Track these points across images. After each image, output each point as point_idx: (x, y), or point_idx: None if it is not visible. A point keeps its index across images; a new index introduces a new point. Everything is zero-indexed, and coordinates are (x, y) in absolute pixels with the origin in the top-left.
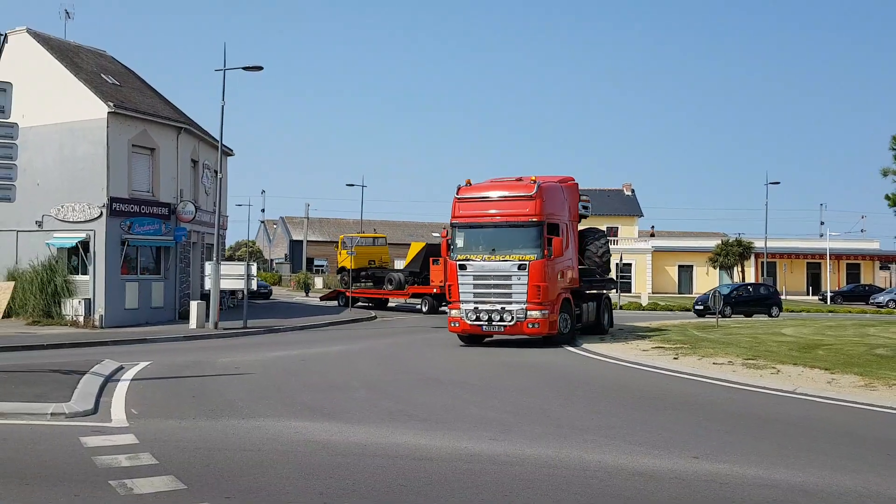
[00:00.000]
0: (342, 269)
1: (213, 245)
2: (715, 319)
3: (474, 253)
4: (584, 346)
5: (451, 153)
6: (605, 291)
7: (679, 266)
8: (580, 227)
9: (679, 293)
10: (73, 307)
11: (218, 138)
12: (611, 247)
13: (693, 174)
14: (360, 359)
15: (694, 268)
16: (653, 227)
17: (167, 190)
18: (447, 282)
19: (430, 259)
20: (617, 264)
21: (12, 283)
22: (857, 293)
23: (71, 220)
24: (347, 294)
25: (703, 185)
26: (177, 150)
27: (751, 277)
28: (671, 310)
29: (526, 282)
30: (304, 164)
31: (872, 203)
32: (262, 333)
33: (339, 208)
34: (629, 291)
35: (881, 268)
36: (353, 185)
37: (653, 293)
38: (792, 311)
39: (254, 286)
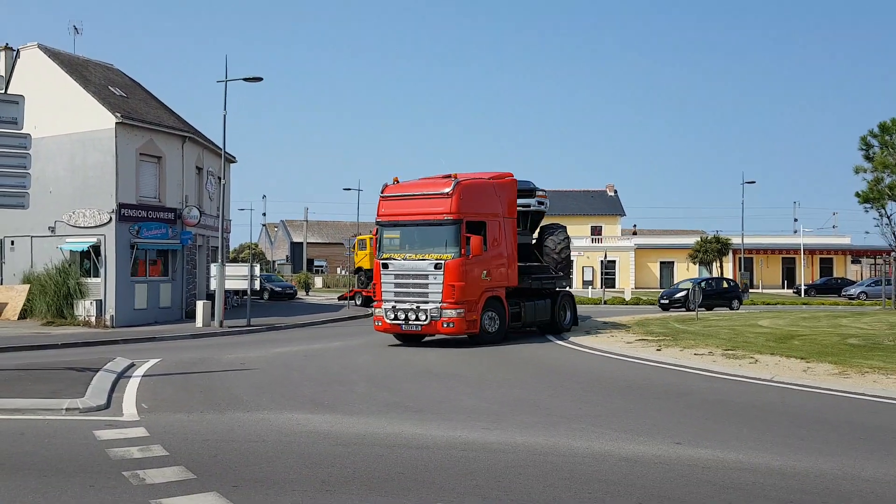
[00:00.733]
0: (359, 269)
1: (217, 248)
2: (678, 313)
3: (397, 252)
4: (572, 339)
5: (442, 154)
6: (561, 289)
7: (661, 262)
8: (545, 223)
9: (661, 288)
10: (85, 308)
11: (221, 146)
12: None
13: (673, 175)
14: (359, 354)
15: (675, 264)
16: (635, 225)
17: (173, 196)
18: (373, 280)
19: None
20: (602, 261)
21: (27, 286)
22: (829, 286)
23: (82, 225)
24: (363, 293)
25: (682, 186)
26: (182, 158)
27: (728, 273)
28: (652, 304)
29: (441, 281)
30: (302, 169)
31: (843, 201)
32: (265, 331)
33: (338, 211)
34: (613, 287)
35: (853, 262)
36: (349, 189)
37: (636, 288)
38: (768, 304)
39: (257, 286)
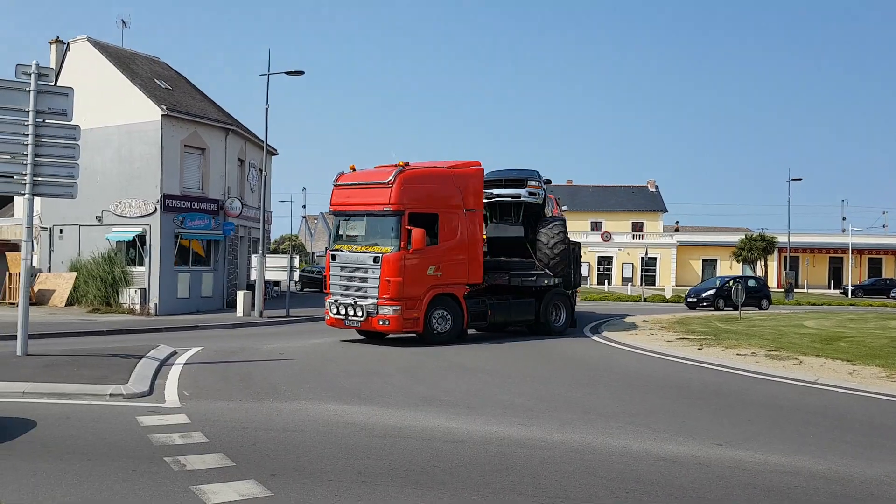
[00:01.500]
0: None
1: (258, 239)
2: (715, 312)
3: (345, 243)
4: (608, 335)
5: (482, 147)
6: (553, 286)
7: (703, 260)
8: (549, 215)
9: None
10: (129, 296)
11: (263, 139)
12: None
13: (717, 171)
14: (395, 347)
15: (718, 262)
16: (677, 222)
17: (216, 187)
18: (325, 272)
19: None
20: (642, 258)
21: (75, 274)
22: (878, 287)
23: (128, 215)
24: None
25: (726, 182)
26: (225, 150)
27: (773, 272)
28: None
29: (379, 276)
30: (343, 161)
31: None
32: (304, 322)
33: None
34: (653, 284)
35: None
36: None
37: (677, 286)
38: (813, 304)
39: (296, 277)
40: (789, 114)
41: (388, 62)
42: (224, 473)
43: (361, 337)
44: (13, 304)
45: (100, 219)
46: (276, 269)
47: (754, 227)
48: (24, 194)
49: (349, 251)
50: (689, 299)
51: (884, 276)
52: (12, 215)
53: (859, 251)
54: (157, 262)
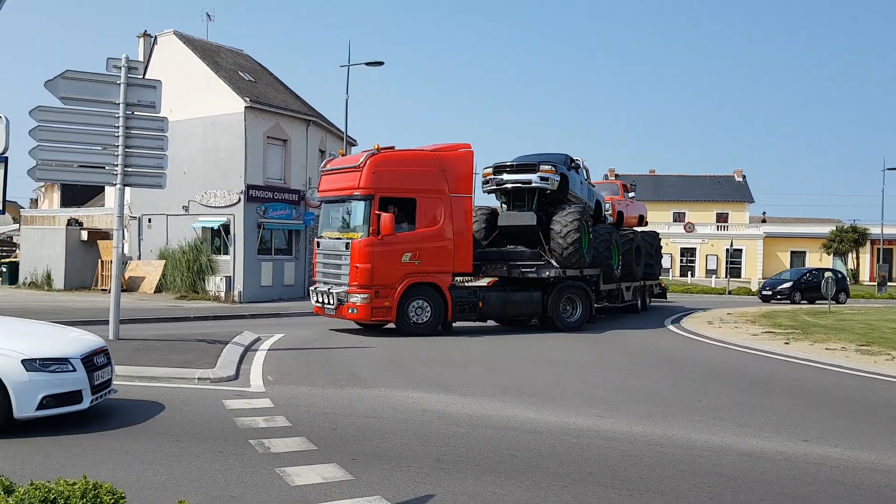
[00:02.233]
0: None
1: None
2: (781, 305)
3: (328, 230)
4: (691, 328)
5: (560, 136)
6: (565, 278)
7: (791, 252)
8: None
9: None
10: (215, 284)
11: (343, 129)
12: (721, 232)
13: (806, 160)
14: (472, 336)
15: (807, 254)
16: (764, 213)
17: (297, 178)
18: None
19: None
20: (727, 250)
21: (163, 262)
22: None
23: (213, 205)
24: None
25: (816, 172)
26: (306, 141)
27: (865, 264)
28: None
29: (349, 262)
30: None
31: None
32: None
33: None
34: (739, 277)
35: None
36: None
37: (763, 279)
38: None
39: None
40: (883, 100)
41: (468, 49)
42: (307, 457)
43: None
44: (105, 290)
45: (186, 208)
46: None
47: (845, 218)
48: (115, 184)
49: (328, 238)
50: (764, 292)
51: None
52: (103, 205)
53: None
54: (241, 250)
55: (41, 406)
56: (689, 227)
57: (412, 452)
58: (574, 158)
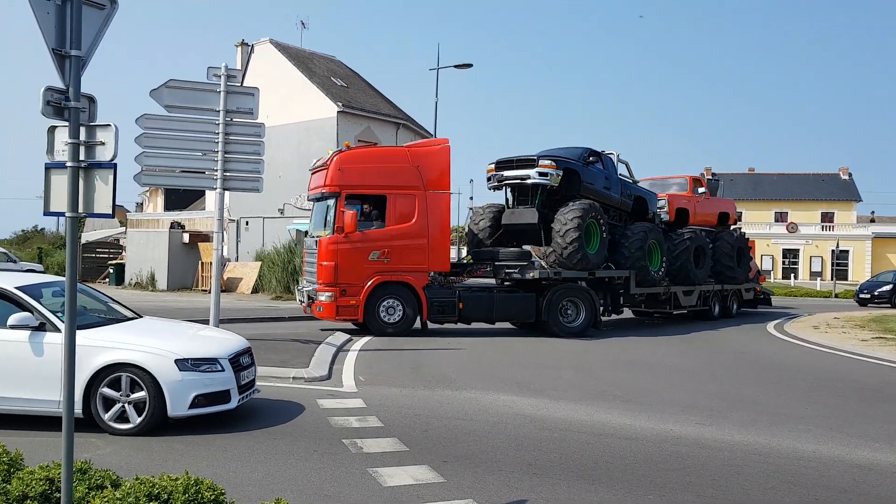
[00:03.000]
0: None
1: None
2: (882, 310)
3: (312, 229)
4: (795, 333)
5: (651, 134)
6: (562, 280)
7: None
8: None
9: None
10: None
11: (432, 132)
12: (826, 233)
13: None
14: (566, 342)
15: None
16: (873, 212)
17: None
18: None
19: None
20: (833, 251)
21: (259, 263)
22: None
23: (307, 208)
24: None
25: None
26: (396, 144)
27: None
28: None
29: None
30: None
31: None
32: None
33: None
34: (846, 279)
35: None
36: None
37: None
38: None
39: None
40: None
41: (555, 50)
42: (398, 458)
43: (529, 332)
44: (205, 291)
45: (281, 211)
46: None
47: None
48: (215, 188)
49: (309, 237)
50: (862, 295)
51: None
52: (204, 208)
53: None
54: None
55: (193, 405)
56: (792, 228)
57: (504, 456)
58: (598, 152)
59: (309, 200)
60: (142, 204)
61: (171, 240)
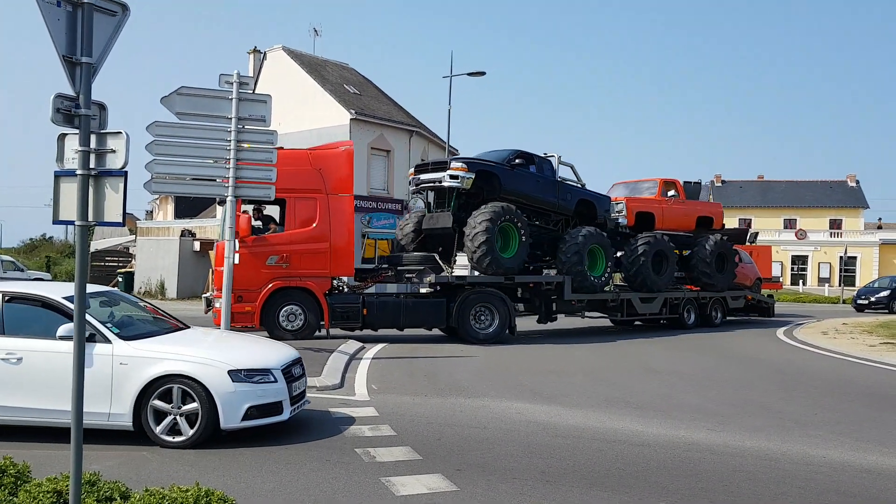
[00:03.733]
0: None
1: None
2: (879, 316)
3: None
4: (804, 339)
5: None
6: (476, 286)
7: None
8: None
9: None
10: None
11: (445, 140)
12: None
13: None
14: (576, 346)
15: None
16: (880, 219)
17: (400, 188)
18: None
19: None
20: (841, 258)
21: None
22: None
23: None
24: None
25: None
26: (409, 152)
27: None
28: None
29: None
30: None
31: None
32: None
33: None
34: (853, 285)
35: None
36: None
37: None
38: None
39: None
40: None
41: (568, 60)
42: (412, 466)
43: (541, 339)
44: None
45: None
46: (459, 266)
47: None
48: (227, 196)
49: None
50: (860, 300)
51: None
52: (215, 216)
53: None
54: None
55: (246, 417)
56: (801, 235)
57: (517, 464)
58: (528, 154)
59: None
60: (152, 212)
61: (182, 248)
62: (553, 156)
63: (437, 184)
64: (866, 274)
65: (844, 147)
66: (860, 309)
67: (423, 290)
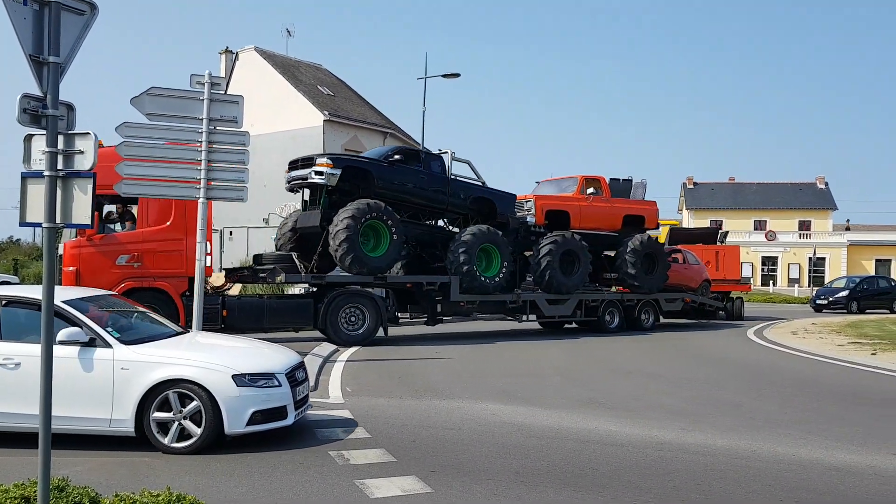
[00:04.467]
0: None
1: None
2: (840, 316)
3: None
4: (774, 339)
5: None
6: (340, 286)
7: (876, 260)
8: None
9: None
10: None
11: (419, 141)
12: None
13: (891, 165)
14: (550, 347)
15: (892, 262)
16: (848, 220)
17: None
18: None
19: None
20: (810, 258)
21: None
22: None
23: None
24: None
25: None
26: None
27: None
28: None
29: None
30: (497, 163)
31: None
32: (461, 321)
33: None
34: (822, 286)
35: None
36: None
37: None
38: None
39: None
40: None
41: (542, 62)
42: (386, 469)
43: (516, 337)
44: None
45: (266, 221)
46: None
47: None
48: (198, 198)
49: None
50: (818, 301)
51: None
52: None
53: None
54: None
55: (251, 422)
56: (771, 236)
57: (491, 465)
58: (411, 150)
59: None
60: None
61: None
62: (446, 152)
63: (304, 180)
64: (835, 275)
65: (814, 149)
66: (818, 309)
67: (295, 291)
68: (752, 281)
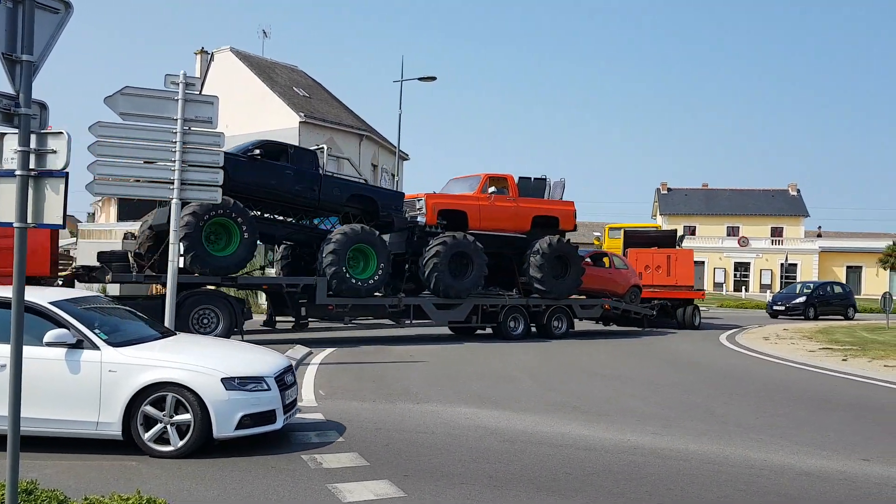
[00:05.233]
0: None
1: None
2: (794, 322)
3: None
4: (746, 344)
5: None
6: (196, 287)
7: (847, 267)
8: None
9: None
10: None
11: (395, 144)
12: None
13: (864, 173)
14: (521, 351)
15: (863, 269)
16: (819, 227)
17: None
18: None
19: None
20: (782, 264)
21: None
22: None
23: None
24: None
25: (873, 185)
26: (359, 156)
27: None
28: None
29: None
30: (473, 165)
31: None
32: (433, 325)
33: None
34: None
35: None
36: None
37: None
38: None
39: None
40: None
41: (519, 64)
42: (359, 472)
43: (494, 342)
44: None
45: None
46: None
47: None
48: (171, 198)
49: None
50: (775, 306)
51: None
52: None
53: None
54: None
55: (240, 426)
56: (744, 242)
57: (465, 469)
58: (279, 145)
59: None
60: (94, 214)
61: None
62: (321, 147)
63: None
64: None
65: (786, 156)
66: (774, 315)
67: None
68: (724, 286)
